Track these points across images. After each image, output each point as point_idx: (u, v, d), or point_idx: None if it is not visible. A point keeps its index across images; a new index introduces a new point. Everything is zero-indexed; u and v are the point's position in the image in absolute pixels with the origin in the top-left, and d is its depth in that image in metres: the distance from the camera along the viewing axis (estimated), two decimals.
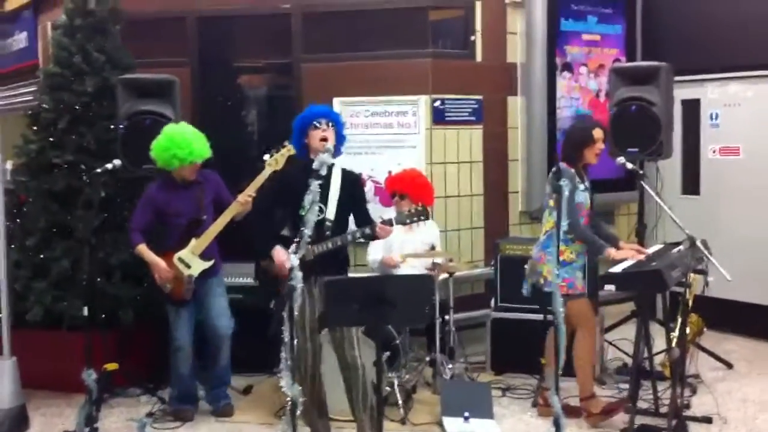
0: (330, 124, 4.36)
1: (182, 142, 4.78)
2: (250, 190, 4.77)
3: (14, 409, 4.85)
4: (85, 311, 4.66)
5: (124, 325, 5.50)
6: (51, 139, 5.65)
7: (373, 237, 4.27)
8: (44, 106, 5.77)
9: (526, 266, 5.05)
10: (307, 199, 3.88)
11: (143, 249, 4.90)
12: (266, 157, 4.72)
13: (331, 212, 4.30)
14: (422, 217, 4.21)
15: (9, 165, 6.09)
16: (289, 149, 4.68)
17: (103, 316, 5.37)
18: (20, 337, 5.16)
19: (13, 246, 5.54)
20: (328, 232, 4.27)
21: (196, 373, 5.35)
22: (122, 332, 5.47)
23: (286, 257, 3.97)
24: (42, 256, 5.52)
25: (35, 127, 5.80)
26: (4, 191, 5.02)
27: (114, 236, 5.48)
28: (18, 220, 5.70)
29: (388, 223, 4.20)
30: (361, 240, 4.27)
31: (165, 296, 4.96)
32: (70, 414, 5.05)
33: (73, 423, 4.73)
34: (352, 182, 4.46)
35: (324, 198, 4.24)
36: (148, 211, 4.96)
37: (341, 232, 4.29)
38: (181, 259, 4.88)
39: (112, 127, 5.58)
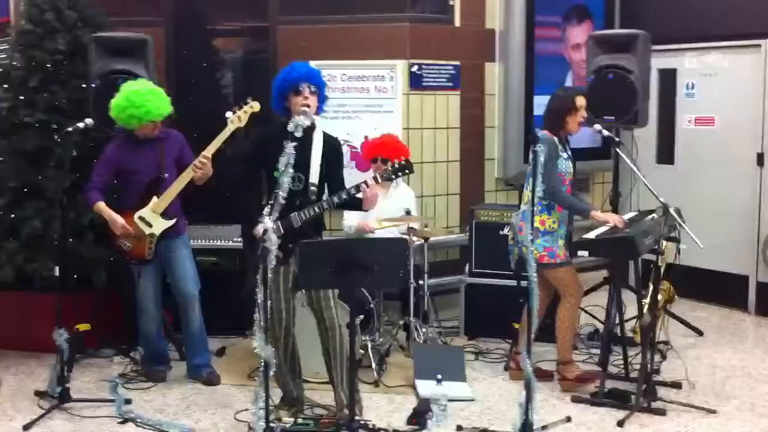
0: (312, 87, 4.20)
1: (138, 100, 4.67)
2: (209, 151, 4.71)
3: None
4: (57, 272, 4.61)
5: (96, 286, 5.46)
6: (22, 98, 5.53)
7: (358, 200, 4.13)
8: (15, 63, 5.65)
9: (505, 232, 5.05)
10: (282, 161, 3.84)
11: (101, 206, 4.79)
12: (229, 114, 4.66)
13: (314, 177, 4.22)
14: (407, 170, 4.08)
15: None
16: (252, 106, 4.62)
17: (76, 277, 5.34)
18: None
19: None
20: (313, 197, 4.20)
21: (169, 334, 5.35)
22: (95, 293, 5.44)
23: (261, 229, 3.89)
24: (13, 216, 5.44)
25: (6, 85, 5.68)
26: None
27: (85, 196, 5.40)
28: None
29: (374, 180, 4.07)
30: (347, 201, 4.14)
31: (126, 256, 4.90)
32: (41, 374, 5.03)
33: (45, 383, 4.74)
34: (334, 146, 4.37)
35: (306, 163, 4.18)
36: (107, 169, 4.86)
37: (325, 197, 4.22)
38: (142, 218, 4.81)
39: (84, 85, 5.47)
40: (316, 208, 4.13)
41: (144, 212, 4.82)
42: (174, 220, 4.88)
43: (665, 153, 7.18)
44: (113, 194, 4.97)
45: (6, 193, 5.51)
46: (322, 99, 4.31)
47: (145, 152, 4.86)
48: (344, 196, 4.10)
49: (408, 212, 5.44)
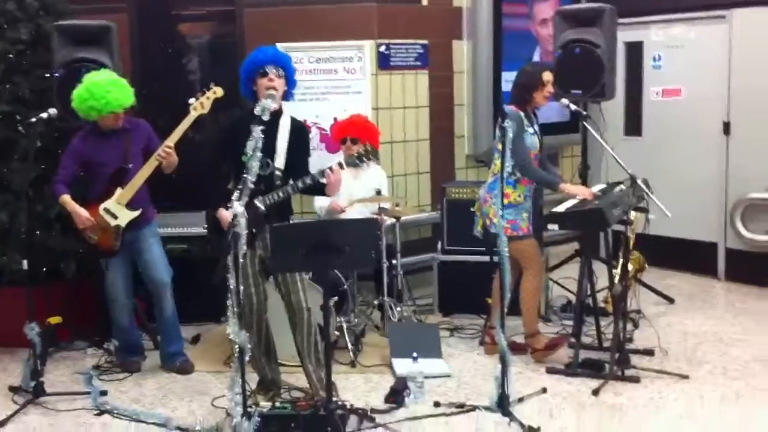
0: (279, 70, 4.20)
1: (98, 92, 4.60)
2: (172, 140, 4.66)
3: None
4: (25, 264, 4.56)
5: (66, 279, 5.40)
6: None
7: (323, 184, 4.12)
8: None
9: (472, 208, 5.10)
10: (249, 144, 3.81)
11: (66, 199, 4.74)
12: (191, 101, 4.62)
13: (280, 162, 4.21)
14: (372, 157, 4.11)
15: None
16: (215, 91, 4.58)
17: (45, 269, 5.28)
18: None
19: None
20: (278, 182, 4.19)
21: (142, 324, 5.32)
22: (65, 285, 5.38)
23: (229, 216, 3.87)
24: None
25: None
26: None
27: (52, 188, 5.34)
28: None
29: (339, 166, 4.08)
30: (311, 185, 4.14)
31: (93, 248, 4.85)
32: (14, 369, 4.98)
33: (19, 378, 4.70)
34: (300, 131, 4.36)
35: (272, 148, 4.16)
36: (72, 162, 4.81)
37: (289, 182, 4.21)
38: (107, 210, 4.76)
39: (47, 75, 5.39)
40: (280, 193, 4.13)
41: (109, 204, 4.77)
42: (140, 211, 4.82)
43: (633, 125, 7.24)
44: (80, 186, 4.91)
45: None
46: (291, 84, 4.30)
47: (110, 143, 4.81)
48: (308, 181, 4.10)
49: (378, 192, 5.44)
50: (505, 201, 4.69)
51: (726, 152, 6.59)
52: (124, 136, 4.83)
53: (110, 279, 4.90)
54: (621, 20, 6.07)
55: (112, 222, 4.77)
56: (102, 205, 4.76)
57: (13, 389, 4.63)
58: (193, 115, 4.63)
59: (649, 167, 6.37)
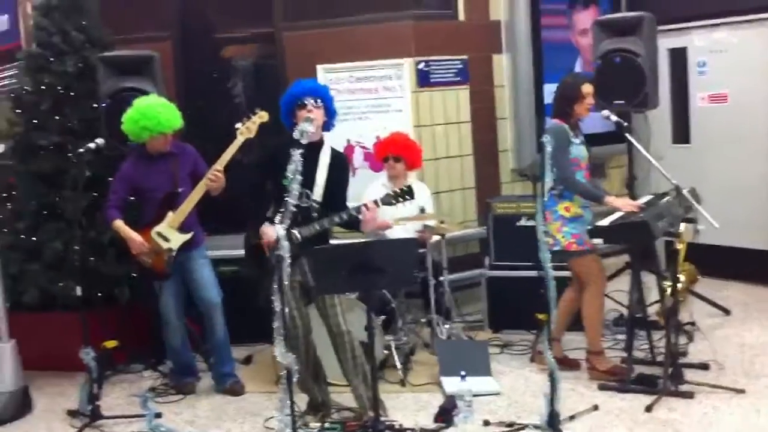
0: (318, 101, 4.27)
1: (149, 113, 4.73)
2: (220, 164, 4.74)
3: (17, 392, 4.88)
4: (78, 291, 4.67)
5: (121, 303, 5.52)
6: (35, 121, 5.62)
7: (358, 220, 4.20)
8: (26, 88, 5.73)
9: (523, 223, 5.05)
10: (290, 168, 3.88)
11: (119, 225, 4.86)
12: (238, 125, 4.70)
13: (318, 194, 4.27)
14: (407, 197, 4.20)
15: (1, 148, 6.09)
16: (261, 116, 4.65)
17: (99, 294, 5.39)
18: (18, 319, 5.20)
19: (5, 230, 5.55)
20: (315, 214, 4.24)
21: (196, 346, 5.40)
22: (120, 309, 5.50)
23: (273, 232, 3.93)
24: (34, 238, 5.52)
25: (19, 110, 5.76)
26: None
27: (104, 214, 5.47)
28: (8, 204, 5.68)
29: (375, 203, 4.18)
30: (346, 221, 4.22)
31: (147, 271, 4.95)
32: (72, 393, 5.07)
33: (76, 401, 4.79)
34: (340, 162, 4.42)
35: (311, 179, 4.22)
36: (123, 187, 4.93)
37: (327, 215, 4.25)
38: (159, 233, 4.85)
39: (95, 105, 5.54)
40: (316, 226, 4.19)
41: (161, 227, 4.87)
42: (191, 234, 4.92)
43: (680, 133, 7.12)
44: (132, 211, 5.02)
45: (26, 216, 5.59)
46: (330, 114, 4.36)
47: (159, 168, 4.91)
48: (344, 217, 4.18)
49: (422, 210, 5.43)
50: (568, 214, 4.69)
51: None
52: (172, 160, 4.93)
53: (163, 301, 5.00)
54: (663, 27, 6.00)
55: (165, 245, 4.87)
56: (154, 229, 4.86)
57: (71, 413, 4.74)
58: (240, 139, 4.71)
59: (698, 175, 6.28)
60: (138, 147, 4.93)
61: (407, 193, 4.18)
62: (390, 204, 4.25)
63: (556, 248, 4.63)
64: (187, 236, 4.91)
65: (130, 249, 4.87)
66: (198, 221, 5.04)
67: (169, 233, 4.88)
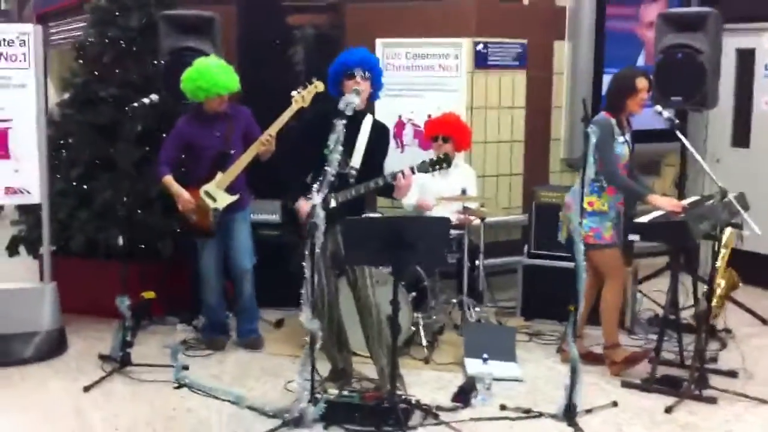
0: (365, 73, 4.26)
1: (207, 74, 4.82)
2: (273, 129, 4.81)
3: (53, 332, 5.07)
4: (120, 241, 4.83)
5: (164, 256, 5.66)
6: (96, 73, 5.78)
7: (393, 187, 4.18)
8: (90, 39, 5.89)
9: (560, 213, 5.03)
10: (332, 138, 3.94)
11: (169, 180, 4.98)
12: (294, 93, 4.75)
13: (356, 161, 4.28)
14: (444, 165, 4.14)
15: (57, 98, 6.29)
16: (316, 86, 4.69)
17: (143, 246, 5.54)
18: (63, 263, 5.40)
19: (59, 176, 5.73)
20: (352, 180, 4.26)
21: (230, 305, 5.52)
22: (162, 263, 5.64)
23: (307, 208, 3.95)
24: (85, 186, 5.69)
25: (81, 61, 5.93)
26: (50, 123, 5.18)
27: (155, 169, 5.58)
28: (63, 152, 5.86)
29: (411, 171, 4.14)
30: (381, 187, 4.21)
31: (191, 228, 5.07)
32: (108, 339, 5.22)
33: (110, 347, 4.96)
34: (381, 133, 4.42)
35: (351, 147, 4.23)
36: (176, 144, 5.04)
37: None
38: (207, 192, 4.96)
39: (155, 62, 5.66)
40: (353, 191, 4.20)
41: (209, 187, 4.97)
42: (237, 196, 5.01)
43: (741, 136, 6.92)
44: (181, 168, 5.14)
45: (80, 164, 5.76)
46: (377, 86, 4.37)
47: (213, 127, 5.00)
48: (380, 182, 4.17)
49: (464, 192, 5.43)
50: (589, 209, 4.65)
51: None
52: (227, 121, 5.02)
53: (204, 260, 5.12)
54: (734, 26, 5.83)
55: (212, 205, 4.97)
56: (203, 188, 4.97)
57: (103, 357, 4.91)
58: (294, 107, 4.76)
59: (755, 180, 6.15)
60: (195, 105, 5.02)
61: (444, 161, 4.12)
62: (426, 171, 4.20)
63: (574, 237, 4.58)
64: (234, 198, 5.00)
65: (177, 204, 4.99)
66: (246, 184, 5.13)
67: (217, 193, 4.98)
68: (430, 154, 5.74)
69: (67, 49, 6.55)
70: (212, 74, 4.85)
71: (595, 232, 4.68)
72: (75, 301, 5.39)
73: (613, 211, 4.77)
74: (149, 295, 5.37)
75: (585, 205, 4.61)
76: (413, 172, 4.15)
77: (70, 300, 5.29)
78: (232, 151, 5.00)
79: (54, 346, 5.06)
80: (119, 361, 4.74)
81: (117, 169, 5.62)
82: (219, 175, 4.97)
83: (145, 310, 5.38)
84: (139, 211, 5.51)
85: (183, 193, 4.96)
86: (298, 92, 4.76)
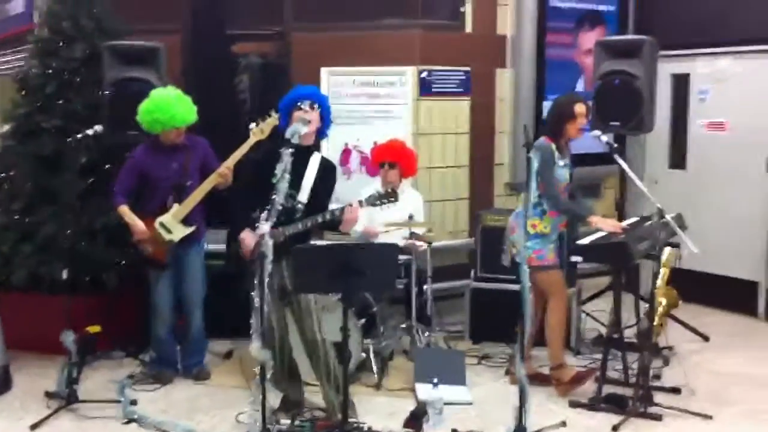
0: (315, 106, 4.34)
1: (165, 106, 4.82)
2: (231, 161, 4.82)
3: None
4: (65, 274, 4.76)
5: (108, 289, 5.58)
6: (39, 104, 5.70)
7: (339, 221, 4.25)
8: (33, 70, 5.82)
9: (504, 236, 5.12)
10: (279, 167, 3.95)
11: (124, 210, 4.95)
12: (252, 126, 4.76)
13: (303, 196, 4.33)
14: (392, 200, 4.24)
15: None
16: (275, 118, 4.71)
17: (88, 279, 5.46)
18: (6, 299, 5.30)
19: (0, 210, 5.64)
20: (298, 215, 4.30)
21: (177, 337, 5.46)
22: (107, 296, 5.55)
23: (252, 241, 4.02)
24: (27, 220, 5.59)
25: (24, 92, 5.85)
26: None
27: (99, 201, 5.53)
28: (5, 185, 5.77)
29: (359, 204, 4.23)
30: (329, 222, 4.29)
31: (145, 260, 5.03)
32: (53, 375, 5.12)
33: (55, 384, 4.86)
34: (328, 172, 4.47)
35: (298, 181, 4.28)
36: (133, 174, 5.00)
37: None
38: (162, 224, 4.94)
39: (99, 93, 5.62)
40: (299, 225, 4.24)
41: (165, 218, 4.95)
42: (194, 227, 5.00)
43: (677, 158, 7.16)
44: (135, 199, 5.10)
45: (21, 197, 5.67)
46: (326, 123, 4.43)
47: (170, 159, 4.99)
48: (327, 217, 4.24)
49: (411, 217, 5.49)
50: (532, 231, 4.75)
51: None
52: (184, 152, 5.01)
53: (158, 292, 5.08)
54: (668, 52, 6.03)
55: (167, 236, 4.95)
56: (158, 219, 4.94)
57: (49, 394, 4.79)
58: (252, 139, 4.74)
59: (692, 201, 6.34)
60: (152, 136, 5.01)
61: (391, 196, 4.22)
62: (374, 205, 4.28)
63: (518, 260, 4.68)
64: (190, 229, 4.99)
65: (131, 234, 4.95)
66: (203, 216, 5.11)
67: (173, 225, 4.96)
68: (377, 181, 5.83)
69: (7, 80, 6.44)
70: (170, 106, 4.85)
71: (538, 254, 4.79)
72: (17, 336, 5.28)
73: (555, 233, 4.90)
74: (94, 329, 5.25)
75: (528, 228, 4.72)
76: (361, 206, 4.23)
77: (12, 336, 5.17)
78: (189, 183, 4.99)
79: None
80: (65, 398, 4.64)
81: (60, 202, 5.55)
82: (175, 207, 4.96)
83: (90, 344, 5.25)
84: (83, 244, 5.44)
85: (138, 223, 4.92)
86: (257, 124, 4.77)
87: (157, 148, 5.00)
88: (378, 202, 4.23)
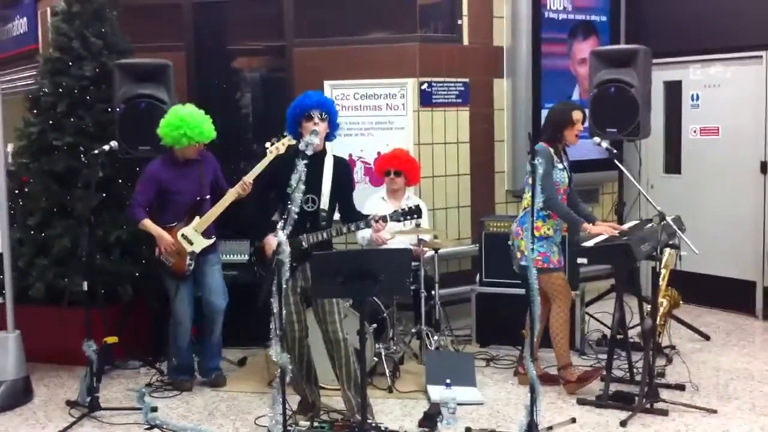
0: (323, 114, 4.46)
1: (192, 122, 4.98)
2: (251, 176, 4.96)
3: (19, 381, 5.07)
4: (85, 286, 4.88)
5: (123, 301, 5.71)
6: (51, 122, 5.83)
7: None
8: (44, 90, 5.95)
9: (509, 243, 5.27)
10: (294, 177, 4.08)
11: (148, 223, 5.08)
12: (268, 144, 4.92)
13: (324, 203, 4.47)
14: (416, 216, 4.44)
15: (10, 147, 6.32)
16: (289, 139, 4.85)
17: (103, 291, 5.57)
18: (24, 312, 5.38)
19: (15, 225, 5.76)
20: (323, 222, 4.45)
21: (193, 345, 5.59)
22: (122, 307, 5.69)
23: (275, 243, 4.15)
24: (43, 234, 5.73)
25: (35, 111, 5.99)
26: (6, 173, 5.23)
27: (112, 215, 5.69)
28: (20, 201, 5.89)
29: (383, 219, 4.40)
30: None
31: (166, 271, 5.16)
32: (72, 385, 5.29)
33: (76, 393, 5.00)
34: (343, 170, 4.61)
35: (317, 186, 4.43)
36: (151, 188, 5.13)
37: (333, 220, 4.50)
38: (184, 236, 5.10)
39: (109, 110, 5.76)
40: (324, 234, 4.40)
41: (187, 230, 5.12)
42: (213, 239, 5.18)
43: (672, 163, 7.36)
44: (153, 212, 5.22)
45: (37, 212, 5.80)
46: (333, 127, 4.57)
47: (186, 173, 5.15)
48: (362, 226, 4.43)
49: (418, 225, 5.63)
50: (536, 233, 4.89)
51: (764, 191, 6.66)
52: (198, 166, 5.17)
53: (179, 302, 5.20)
54: (660, 60, 6.21)
55: (189, 248, 5.11)
56: (180, 231, 5.11)
57: (70, 403, 4.92)
58: (270, 157, 4.87)
59: (688, 205, 6.51)
60: (167, 151, 5.15)
61: (415, 212, 4.43)
62: (398, 221, 4.49)
63: (523, 263, 4.84)
64: (210, 241, 5.17)
65: (156, 246, 5.08)
66: (215, 228, 5.25)
67: (194, 237, 5.12)
68: (382, 191, 6.00)
69: (18, 98, 6.56)
70: (197, 123, 5.01)
71: (543, 257, 4.94)
72: (35, 348, 5.39)
73: (559, 235, 5.05)
74: (111, 339, 5.40)
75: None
76: (385, 222, 4.40)
77: (30, 347, 5.28)
78: (207, 196, 5.16)
79: (20, 395, 5.06)
80: (88, 406, 4.77)
81: (73, 216, 5.68)
82: (196, 219, 5.12)
83: (108, 354, 5.42)
84: (97, 257, 5.56)
85: (165, 236, 5.07)
86: (272, 143, 4.91)
87: (174, 163, 5.15)
88: (402, 218, 4.42)
